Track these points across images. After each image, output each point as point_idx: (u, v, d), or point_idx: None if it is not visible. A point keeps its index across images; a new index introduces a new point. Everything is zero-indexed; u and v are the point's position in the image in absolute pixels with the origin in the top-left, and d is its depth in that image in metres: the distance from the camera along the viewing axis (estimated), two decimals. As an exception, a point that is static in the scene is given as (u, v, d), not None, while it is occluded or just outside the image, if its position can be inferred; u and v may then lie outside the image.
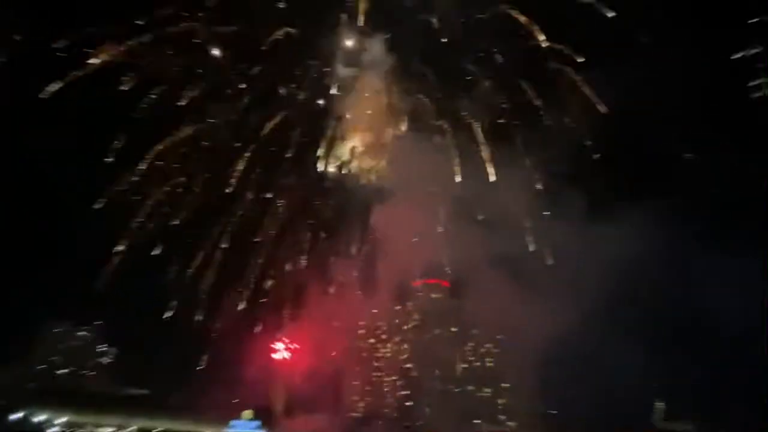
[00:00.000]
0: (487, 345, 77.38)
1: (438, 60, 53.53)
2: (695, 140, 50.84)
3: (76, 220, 52.31)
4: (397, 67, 54.94)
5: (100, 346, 74.34)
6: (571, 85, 49.95)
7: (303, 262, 64.55)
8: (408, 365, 78.11)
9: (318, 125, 56.95)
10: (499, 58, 52.25)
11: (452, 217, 61.49)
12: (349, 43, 54.27)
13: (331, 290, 67.54)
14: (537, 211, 58.42)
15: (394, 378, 77.91)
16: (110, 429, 65.23)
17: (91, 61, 46.51)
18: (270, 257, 62.79)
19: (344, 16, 51.84)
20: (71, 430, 63.32)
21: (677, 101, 48.39)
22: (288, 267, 64.15)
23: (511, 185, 56.84)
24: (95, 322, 74.17)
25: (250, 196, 58.54)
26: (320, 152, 56.62)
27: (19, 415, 60.28)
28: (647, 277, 56.51)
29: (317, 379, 69.76)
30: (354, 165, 56.25)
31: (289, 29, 52.04)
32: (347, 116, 56.86)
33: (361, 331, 79.73)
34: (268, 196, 59.51)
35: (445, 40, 50.88)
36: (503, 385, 75.06)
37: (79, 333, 74.53)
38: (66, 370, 73.07)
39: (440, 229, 62.56)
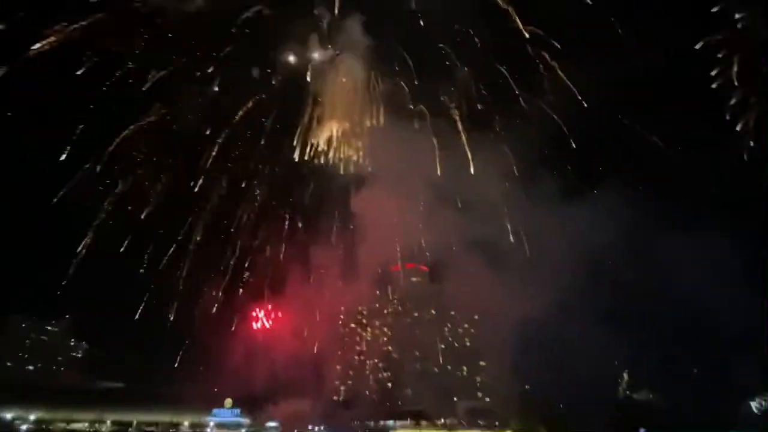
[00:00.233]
0: (465, 326, 79.53)
1: (416, 43, 52.33)
2: (664, 127, 52.33)
3: (40, 212, 49.26)
4: (375, 50, 53.46)
5: (71, 341, 71.84)
6: (548, 71, 49.97)
7: (281, 249, 63.56)
8: (389, 348, 79.51)
9: (294, 110, 55.07)
10: (477, 42, 51.51)
11: (431, 202, 61.77)
12: (324, 23, 52.25)
13: (311, 277, 67.35)
14: (513, 196, 59.29)
15: (375, 361, 79.22)
16: (84, 424, 63.80)
17: (38, 45, 42.66)
18: (247, 246, 61.58)
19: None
20: (43, 427, 61.45)
21: (647, 89, 49.53)
22: (266, 255, 63.22)
23: (489, 171, 57.20)
24: (65, 316, 71.60)
25: (223, 183, 56.62)
26: (296, 139, 54.91)
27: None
28: (615, 261, 58.91)
29: (299, 364, 70.15)
30: (331, 152, 54.96)
31: (261, 7, 49.44)
32: (324, 100, 55.19)
33: (341, 317, 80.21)
34: (243, 185, 57.67)
35: (422, 23, 49.64)
36: (480, 363, 77.69)
37: (49, 328, 71.70)
38: (34, 367, 70.51)
39: (419, 215, 62.87)
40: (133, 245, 54.42)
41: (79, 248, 51.98)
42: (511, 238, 59.73)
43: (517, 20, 47.86)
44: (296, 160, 54.85)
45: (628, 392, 77.49)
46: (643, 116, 52.23)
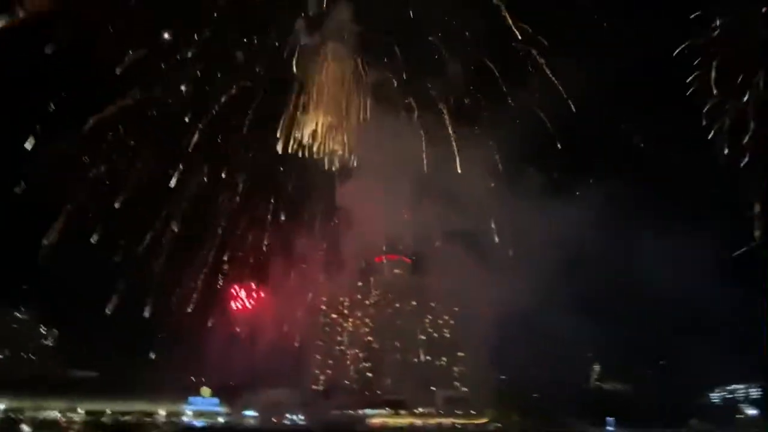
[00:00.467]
0: (445, 317, 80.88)
1: (405, 35, 51.36)
2: (649, 128, 53.56)
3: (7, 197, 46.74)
4: (363, 40, 52.23)
5: (41, 328, 69.47)
6: (536, 69, 49.98)
7: (263, 239, 62.56)
8: (369, 338, 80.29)
9: (279, 98, 53.50)
10: (466, 35, 50.94)
11: (416, 195, 61.84)
12: (312, 8, 50.56)
13: (293, 267, 66.79)
14: (497, 191, 59.86)
15: (356, 351, 79.92)
16: (55, 413, 62.28)
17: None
18: (227, 234, 60.33)
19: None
20: (12, 416, 59.72)
21: (634, 89, 50.27)
22: (247, 244, 62.12)
23: (474, 166, 57.47)
24: (36, 304, 68.91)
25: (204, 172, 54.94)
26: (280, 128, 53.52)
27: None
28: (592, 257, 60.68)
29: (279, 353, 70.03)
30: (316, 145, 53.88)
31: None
32: (309, 89, 53.84)
33: (323, 307, 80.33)
34: (223, 174, 56.12)
35: (412, 15, 48.71)
36: (459, 354, 79.45)
37: (19, 315, 69.03)
38: (3, 355, 68.06)
39: (404, 207, 62.89)
40: (108, 232, 52.50)
41: (49, 234, 49.80)
42: (494, 233, 60.56)
43: (507, 17, 47.57)
44: (280, 151, 53.63)
45: (598, 383, 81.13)
46: (629, 116, 53.38)
